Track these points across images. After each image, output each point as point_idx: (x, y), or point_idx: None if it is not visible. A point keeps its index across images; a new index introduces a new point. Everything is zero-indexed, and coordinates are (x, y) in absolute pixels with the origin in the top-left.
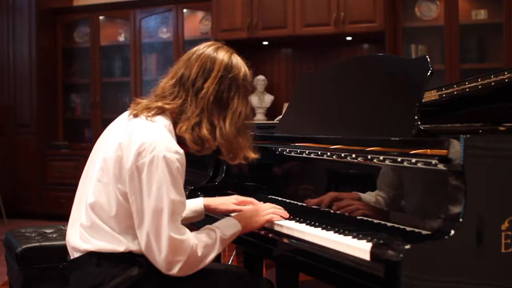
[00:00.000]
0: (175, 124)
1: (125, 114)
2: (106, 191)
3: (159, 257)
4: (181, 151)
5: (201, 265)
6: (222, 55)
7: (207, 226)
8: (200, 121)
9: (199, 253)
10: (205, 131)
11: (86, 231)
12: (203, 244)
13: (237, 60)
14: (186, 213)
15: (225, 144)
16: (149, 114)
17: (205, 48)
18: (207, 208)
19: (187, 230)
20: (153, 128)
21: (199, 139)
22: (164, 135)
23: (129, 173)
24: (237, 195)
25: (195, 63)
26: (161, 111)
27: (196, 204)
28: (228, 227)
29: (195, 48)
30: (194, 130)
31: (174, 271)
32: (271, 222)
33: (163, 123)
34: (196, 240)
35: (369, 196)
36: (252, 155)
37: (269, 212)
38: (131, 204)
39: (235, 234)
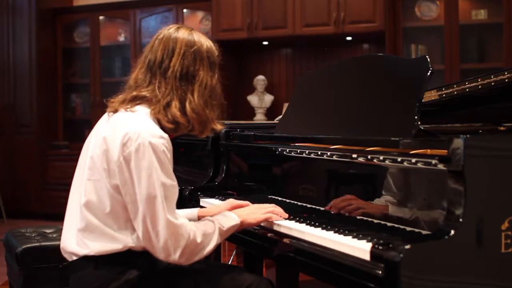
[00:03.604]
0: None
1: (105, 115)
2: (97, 188)
3: (158, 244)
4: (166, 136)
5: (201, 253)
6: (183, 33)
7: (207, 217)
8: (170, 101)
9: (199, 240)
10: (174, 110)
11: (82, 234)
12: (201, 232)
13: (198, 35)
14: None
15: (196, 118)
16: (127, 106)
17: (166, 31)
18: (201, 217)
19: (183, 217)
20: (134, 117)
21: (172, 119)
22: (147, 122)
23: (118, 165)
24: (232, 199)
25: (159, 46)
26: (139, 101)
27: (190, 213)
28: (226, 220)
29: (157, 33)
30: (166, 110)
31: (175, 257)
32: (270, 222)
33: (144, 112)
34: (194, 227)
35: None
36: (219, 127)
37: (268, 211)
38: (124, 196)
39: (233, 227)
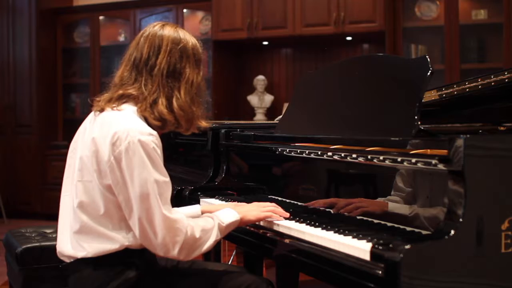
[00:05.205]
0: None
1: (91, 115)
2: (88, 189)
3: (156, 241)
4: (155, 132)
5: (200, 249)
6: (168, 30)
7: (206, 214)
8: (157, 98)
9: (197, 235)
10: (161, 107)
11: (77, 237)
12: (200, 227)
13: (184, 33)
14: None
15: (183, 115)
16: (114, 105)
17: (151, 28)
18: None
19: (179, 212)
20: (122, 116)
21: (159, 116)
22: (134, 120)
23: (109, 165)
24: (236, 202)
25: (145, 44)
26: (125, 99)
27: (194, 210)
28: (226, 216)
29: (142, 31)
30: (152, 108)
31: (174, 252)
32: (270, 222)
33: (131, 110)
34: (192, 223)
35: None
36: (204, 124)
37: (269, 209)
38: (117, 195)
39: (233, 224)
